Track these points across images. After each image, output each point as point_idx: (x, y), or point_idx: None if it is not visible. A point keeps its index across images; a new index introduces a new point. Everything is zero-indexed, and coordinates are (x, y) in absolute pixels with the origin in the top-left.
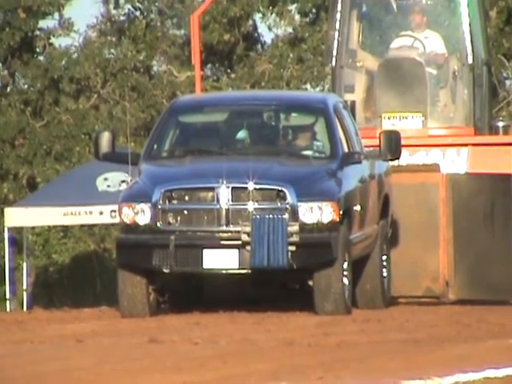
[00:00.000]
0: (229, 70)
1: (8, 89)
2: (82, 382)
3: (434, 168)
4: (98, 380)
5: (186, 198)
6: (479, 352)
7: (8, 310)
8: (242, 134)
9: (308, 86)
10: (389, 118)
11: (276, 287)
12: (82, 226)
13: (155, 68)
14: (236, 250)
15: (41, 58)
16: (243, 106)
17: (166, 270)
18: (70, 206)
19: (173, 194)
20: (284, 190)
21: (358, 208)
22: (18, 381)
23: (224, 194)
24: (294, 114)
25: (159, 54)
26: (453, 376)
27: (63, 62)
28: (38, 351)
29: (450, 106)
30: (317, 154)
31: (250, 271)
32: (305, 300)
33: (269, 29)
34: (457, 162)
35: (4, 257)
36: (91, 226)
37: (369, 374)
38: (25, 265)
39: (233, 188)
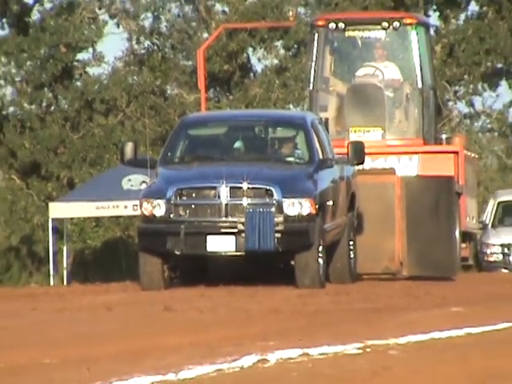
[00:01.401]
0: (228, 94)
1: (52, 108)
2: (110, 342)
3: (391, 171)
4: (123, 339)
5: (194, 195)
6: (426, 318)
7: (51, 284)
8: (238, 144)
9: (291, 105)
10: (355, 132)
11: (265, 266)
12: (111, 217)
13: (169, 91)
14: (233, 237)
15: (78, 83)
16: (239, 122)
17: (177, 253)
18: (100, 201)
19: (183, 192)
20: (272, 188)
21: (330, 203)
22: (60, 341)
23: (224, 192)
24: (279, 128)
25: (172, 81)
26: (405, 337)
27: (96, 87)
28: (75, 317)
29: (403, 122)
30: (297, 160)
31: (244, 253)
32: (288, 277)
33: (259, 60)
34: (409, 166)
35: (48, 242)
36: (118, 218)
37: (339, 336)
38: (65, 248)
39: (231, 187)
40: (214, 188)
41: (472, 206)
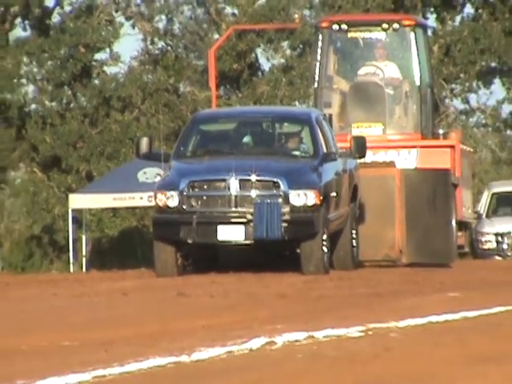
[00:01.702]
0: (237, 91)
1: (71, 105)
2: (127, 325)
3: (391, 164)
4: (138, 323)
5: (205, 186)
6: (425, 303)
7: (71, 271)
8: (246, 139)
9: (296, 102)
10: (357, 127)
11: (272, 255)
12: (127, 208)
13: (181, 89)
14: (242, 226)
15: (96, 81)
16: (248, 118)
17: (189, 241)
18: (117, 193)
19: (195, 184)
20: (278, 181)
21: (334, 194)
22: (78, 324)
23: (233, 184)
24: (285, 124)
25: (185, 79)
26: (405, 320)
27: (112, 85)
28: (93, 302)
29: (403, 118)
30: (303, 154)
31: (253, 242)
32: (294, 264)
33: (267, 59)
34: (408, 159)
35: (68, 231)
36: (134, 208)
37: (343, 319)
38: (84, 237)
39: (240, 180)
40: (225, 180)
41: (467, 197)
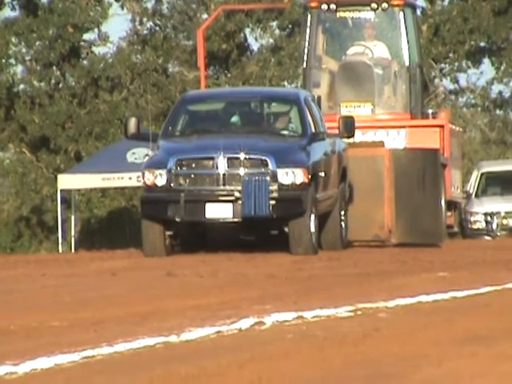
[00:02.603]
0: (226, 71)
1: (60, 85)
2: (116, 305)
3: (380, 144)
4: (127, 303)
5: (193, 165)
6: (414, 282)
7: (60, 251)
8: (234, 119)
9: (285, 83)
10: (346, 107)
11: (260, 233)
12: (116, 188)
13: (170, 69)
14: (231, 204)
15: (84, 62)
16: (236, 98)
17: (177, 219)
18: (106, 173)
19: (183, 162)
20: (267, 159)
21: (322, 174)
22: (68, 304)
23: (221, 162)
24: (274, 104)
25: (173, 59)
26: (394, 300)
27: (101, 65)
28: (82, 282)
29: (392, 98)
30: (291, 133)
31: (241, 220)
32: (282, 244)
33: (256, 40)
34: (397, 139)
35: (57, 212)
36: (122, 188)
37: (332, 299)
38: (73, 217)
39: (228, 158)
40: (213, 158)
41: (456, 177)
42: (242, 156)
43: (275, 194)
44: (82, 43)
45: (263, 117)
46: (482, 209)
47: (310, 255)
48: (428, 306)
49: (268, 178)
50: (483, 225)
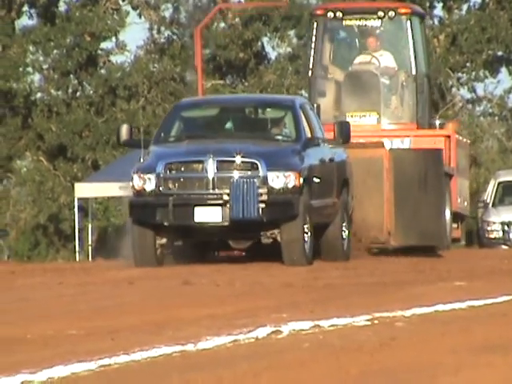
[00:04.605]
0: (243, 80)
1: (77, 94)
2: (133, 314)
3: (379, 145)
4: (144, 312)
5: (182, 169)
6: (431, 291)
7: (77, 259)
8: (228, 125)
9: (303, 91)
10: (352, 116)
11: (252, 240)
12: None
13: (188, 78)
14: (219, 208)
15: (102, 70)
16: (230, 104)
17: (166, 224)
18: (123, 181)
19: (172, 166)
20: (257, 162)
21: (317, 180)
22: (85, 313)
23: (211, 165)
24: (268, 109)
25: (190, 68)
26: (411, 309)
27: (119, 74)
28: (99, 291)
29: (399, 108)
30: (285, 138)
31: (229, 223)
32: (276, 255)
33: (273, 48)
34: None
35: (74, 220)
36: None
37: (348, 308)
38: (90, 226)
39: (218, 161)
40: (202, 162)
41: (463, 188)
42: (231, 159)
43: (265, 197)
44: (100, 52)
45: (257, 122)
46: (499, 218)
47: (302, 265)
48: (445, 315)
49: (256, 181)
50: (500, 234)
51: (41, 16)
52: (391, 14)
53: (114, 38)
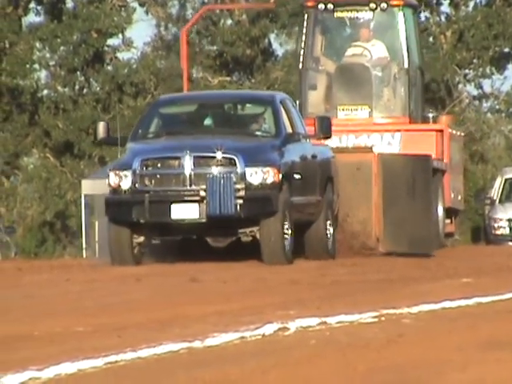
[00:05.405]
0: (250, 77)
1: (84, 90)
2: (139, 311)
3: (367, 149)
4: (151, 308)
5: (159, 165)
6: (438, 288)
7: (84, 256)
8: (207, 121)
9: None
10: (343, 110)
11: (230, 237)
12: None
13: (194, 75)
14: (196, 204)
15: (109, 67)
16: (209, 101)
17: (142, 221)
18: None
19: (148, 162)
20: (234, 158)
21: (298, 176)
22: (92, 310)
23: (187, 161)
24: (248, 105)
25: (197, 65)
26: (418, 306)
27: (125, 71)
28: (106, 288)
29: (391, 101)
30: (264, 134)
31: (206, 220)
32: (255, 252)
33: (280, 45)
34: (392, 143)
35: (81, 217)
36: None
37: (355, 305)
38: (97, 223)
39: (194, 157)
40: (178, 158)
41: (457, 183)
42: (208, 155)
43: (242, 193)
44: (106, 48)
45: (236, 118)
46: (505, 215)
47: (281, 264)
48: (452, 311)
49: (233, 176)
50: (507, 231)
51: (48, 13)
52: (383, 5)
53: (120, 35)
